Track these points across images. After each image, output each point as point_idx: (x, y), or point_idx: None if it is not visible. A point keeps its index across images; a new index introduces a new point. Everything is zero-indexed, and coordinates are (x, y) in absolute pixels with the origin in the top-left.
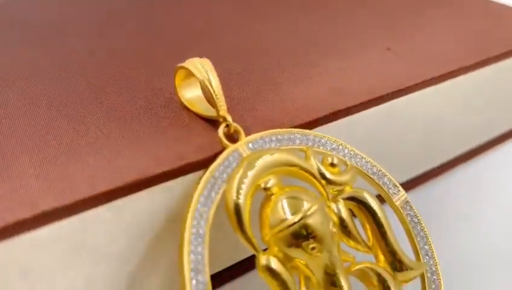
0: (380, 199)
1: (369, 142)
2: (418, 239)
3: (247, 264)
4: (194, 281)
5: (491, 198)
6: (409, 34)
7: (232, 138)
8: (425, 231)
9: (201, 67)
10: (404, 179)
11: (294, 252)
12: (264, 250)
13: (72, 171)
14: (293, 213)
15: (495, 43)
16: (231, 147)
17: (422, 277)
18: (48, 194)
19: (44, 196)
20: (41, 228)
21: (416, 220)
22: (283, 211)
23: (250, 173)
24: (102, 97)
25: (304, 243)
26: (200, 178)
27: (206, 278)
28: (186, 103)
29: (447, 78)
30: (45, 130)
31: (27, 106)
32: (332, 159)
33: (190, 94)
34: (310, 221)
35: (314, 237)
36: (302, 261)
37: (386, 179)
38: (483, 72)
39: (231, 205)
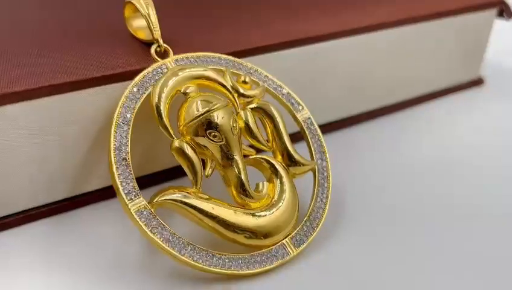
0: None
1: (293, 78)
2: (315, 146)
3: None
4: (117, 151)
5: (409, 148)
6: None
7: (164, 57)
8: (321, 141)
9: (143, 2)
10: (329, 119)
11: (200, 140)
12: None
13: (35, 67)
14: None
15: (422, 4)
16: (161, 61)
17: (314, 174)
18: (14, 81)
19: (12, 80)
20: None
21: (315, 132)
22: (196, 108)
23: (172, 81)
24: (70, 25)
25: (208, 132)
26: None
27: (127, 148)
28: (132, 32)
29: (370, 30)
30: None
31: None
32: (245, 78)
33: (136, 24)
34: (214, 114)
35: (216, 128)
36: (207, 148)
37: (293, 100)
38: (407, 30)
39: (153, 105)
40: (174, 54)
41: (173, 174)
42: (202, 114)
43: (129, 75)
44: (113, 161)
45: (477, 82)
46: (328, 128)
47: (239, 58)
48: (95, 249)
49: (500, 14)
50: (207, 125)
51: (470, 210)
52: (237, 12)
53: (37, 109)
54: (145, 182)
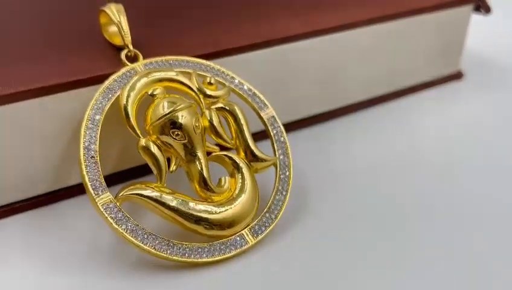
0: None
1: (264, 78)
2: (277, 143)
3: None
4: (86, 150)
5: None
6: None
7: (134, 61)
8: (284, 137)
9: (116, 10)
10: (302, 115)
11: (164, 138)
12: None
13: (13, 72)
14: None
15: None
16: (130, 65)
17: (276, 168)
18: None
19: None
20: None
21: (278, 129)
22: (162, 109)
23: (139, 84)
24: (48, 32)
25: (171, 131)
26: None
27: (96, 147)
28: (108, 38)
29: (345, 29)
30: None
31: None
32: (210, 79)
33: (111, 31)
34: (177, 114)
35: (179, 127)
36: (172, 146)
37: (257, 99)
38: (384, 27)
39: (121, 106)
40: (144, 58)
41: (147, 170)
42: (166, 114)
43: (101, 79)
44: (82, 159)
45: (457, 76)
46: (301, 124)
47: (208, 60)
48: (73, 239)
49: (477, 9)
50: (171, 125)
51: (442, 206)
52: (207, 15)
53: (18, 111)
54: (122, 177)
